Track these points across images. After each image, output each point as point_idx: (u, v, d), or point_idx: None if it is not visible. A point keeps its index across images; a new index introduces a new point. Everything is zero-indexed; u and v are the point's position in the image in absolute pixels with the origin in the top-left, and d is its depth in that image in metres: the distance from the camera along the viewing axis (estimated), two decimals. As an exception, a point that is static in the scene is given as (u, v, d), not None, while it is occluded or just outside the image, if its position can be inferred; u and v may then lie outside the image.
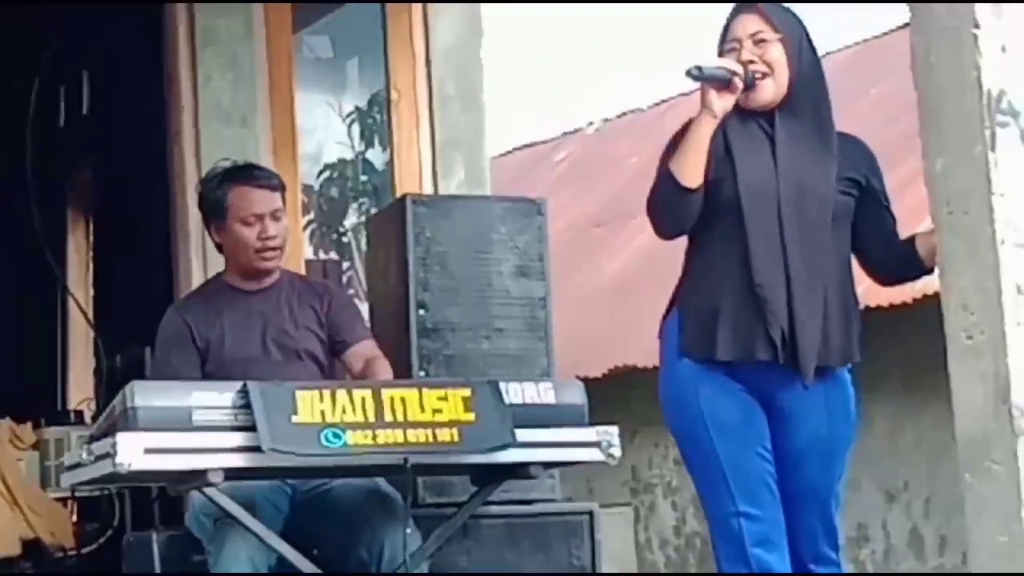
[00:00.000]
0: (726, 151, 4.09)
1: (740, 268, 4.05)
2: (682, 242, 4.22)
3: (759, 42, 4.13)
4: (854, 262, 4.24)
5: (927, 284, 7.72)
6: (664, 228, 4.13)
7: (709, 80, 4.05)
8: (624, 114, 14.83)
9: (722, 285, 4.07)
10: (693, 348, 4.08)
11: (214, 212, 4.82)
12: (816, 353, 4.04)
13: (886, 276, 4.35)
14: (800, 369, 4.03)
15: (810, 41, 4.19)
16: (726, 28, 4.19)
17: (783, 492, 4.08)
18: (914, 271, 4.22)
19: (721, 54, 4.17)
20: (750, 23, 4.15)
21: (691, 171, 4.03)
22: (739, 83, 4.07)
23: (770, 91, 4.13)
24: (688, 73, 4.04)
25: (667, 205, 4.08)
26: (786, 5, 4.24)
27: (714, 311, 4.06)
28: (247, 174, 4.86)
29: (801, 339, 4.02)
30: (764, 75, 4.12)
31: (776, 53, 4.13)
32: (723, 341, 4.04)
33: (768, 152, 4.12)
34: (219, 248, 4.91)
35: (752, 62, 4.11)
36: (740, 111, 4.11)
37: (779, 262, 4.04)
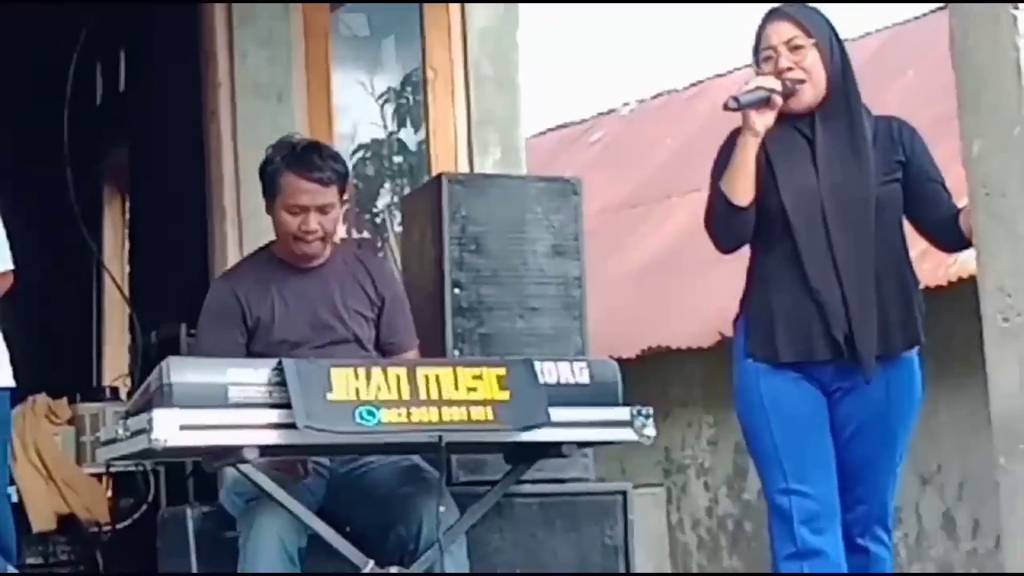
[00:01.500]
0: (767, 160, 4.14)
1: (792, 273, 4.13)
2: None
3: (794, 48, 4.16)
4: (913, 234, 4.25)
5: (962, 266, 7.75)
6: (723, 244, 4.22)
7: (748, 107, 4.08)
8: (659, 95, 14.76)
9: (777, 290, 4.16)
10: (757, 351, 4.18)
11: (268, 189, 4.73)
12: (874, 350, 4.10)
13: (940, 243, 4.34)
14: (861, 367, 4.09)
15: (839, 39, 4.22)
16: (759, 35, 4.21)
17: (840, 469, 4.13)
18: (963, 242, 4.20)
19: (757, 63, 4.21)
20: (784, 30, 4.17)
21: (741, 190, 4.11)
22: (778, 98, 4.10)
23: (809, 96, 4.17)
24: (726, 107, 4.09)
25: (723, 223, 4.17)
26: (812, 4, 4.25)
27: (771, 316, 4.15)
28: (303, 163, 4.67)
29: (859, 340, 4.08)
30: (802, 81, 4.14)
31: (812, 58, 4.16)
32: (783, 344, 4.13)
33: (808, 156, 4.16)
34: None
35: (790, 69, 4.14)
36: (779, 116, 4.14)
37: (830, 266, 4.10)
